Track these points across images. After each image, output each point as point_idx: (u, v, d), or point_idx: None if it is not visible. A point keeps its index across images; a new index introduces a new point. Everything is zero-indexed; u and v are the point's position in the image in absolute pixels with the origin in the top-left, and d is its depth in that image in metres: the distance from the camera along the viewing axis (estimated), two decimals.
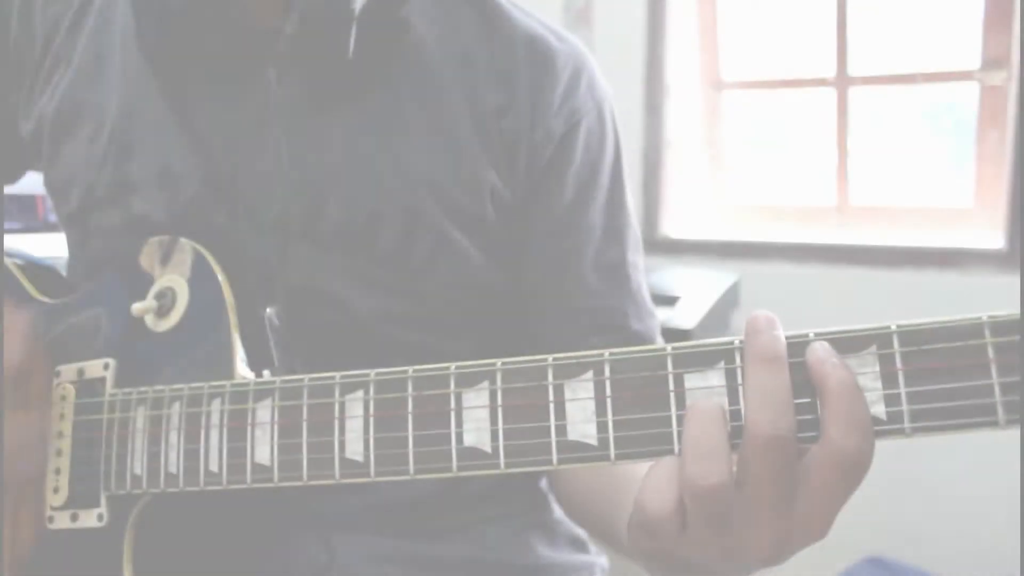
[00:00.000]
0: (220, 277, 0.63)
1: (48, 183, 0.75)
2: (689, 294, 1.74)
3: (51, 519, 0.64)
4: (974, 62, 1.83)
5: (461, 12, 0.73)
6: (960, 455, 1.76)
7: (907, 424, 0.41)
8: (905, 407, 0.41)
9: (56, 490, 0.63)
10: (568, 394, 0.47)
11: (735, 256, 1.97)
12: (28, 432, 0.66)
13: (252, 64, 0.68)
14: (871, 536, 1.85)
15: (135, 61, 0.71)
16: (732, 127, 2.15)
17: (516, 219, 0.73)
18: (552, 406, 0.47)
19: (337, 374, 0.53)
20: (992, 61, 1.81)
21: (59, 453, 0.64)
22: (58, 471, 0.64)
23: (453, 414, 0.50)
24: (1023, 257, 1.67)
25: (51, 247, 0.83)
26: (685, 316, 1.67)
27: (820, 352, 0.43)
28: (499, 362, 0.49)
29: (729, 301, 1.82)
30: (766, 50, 2.11)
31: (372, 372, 0.52)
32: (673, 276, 1.86)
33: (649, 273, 1.95)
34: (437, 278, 0.70)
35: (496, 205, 0.71)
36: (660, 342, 0.77)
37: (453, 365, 0.50)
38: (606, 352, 0.47)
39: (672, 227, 2.07)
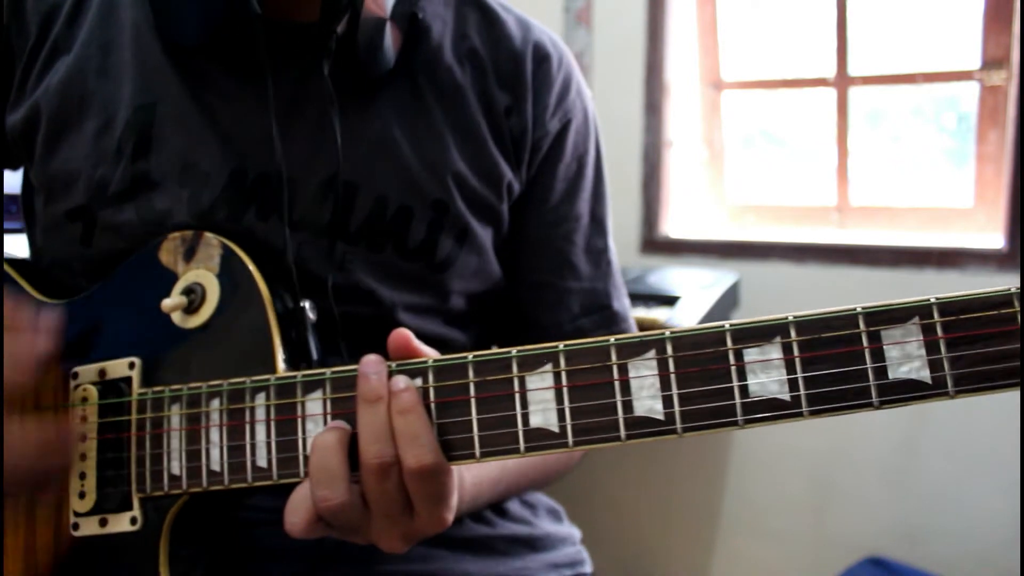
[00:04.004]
0: (253, 271, 0.62)
1: (43, 176, 0.71)
2: (689, 294, 1.74)
3: (76, 526, 0.62)
4: (974, 62, 1.83)
5: (467, 14, 0.76)
6: (960, 455, 1.77)
7: (951, 387, 0.45)
8: (948, 372, 0.45)
9: (82, 495, 0.61)
10: (632, 372, 0.49)
11: (735, 256, 1.96)
12: (42, 437, 0.64)
13: (281, 62, 0.68)
14: (871, 536, 1.85)
15: (152, 55, 0.69)
16: (732, 127, 2.15)
17: (517, 211, 0.77)
18: (617, 384, 0.49)
19: (393, 363, 0.54)
20: (992, 61, 1.80)
21: (83, 457, 0.62)
22: (83, 475, 0.61)
23: (518, 396, 0.51)
24: (1023, 257, 1.66)
25: None
26: (685, 316, 1.67)
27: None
28: (561, 344, 0.51)
29: (729, 301, 1.82)
30: (766, 50, 2.10)
31: (430, 360, 0.53)
32: (673, 276, 1.86)
33: (649, 273, 1.97)
34: (458, 270, 0.73)
35: (508, 198, 0.76)
36: (631, 318, 0.85)
37: (514, 349, 0.52)
38: (667, 331, 0.49)
39: (672, 227, 2.07)
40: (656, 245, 2.05)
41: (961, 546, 1.78)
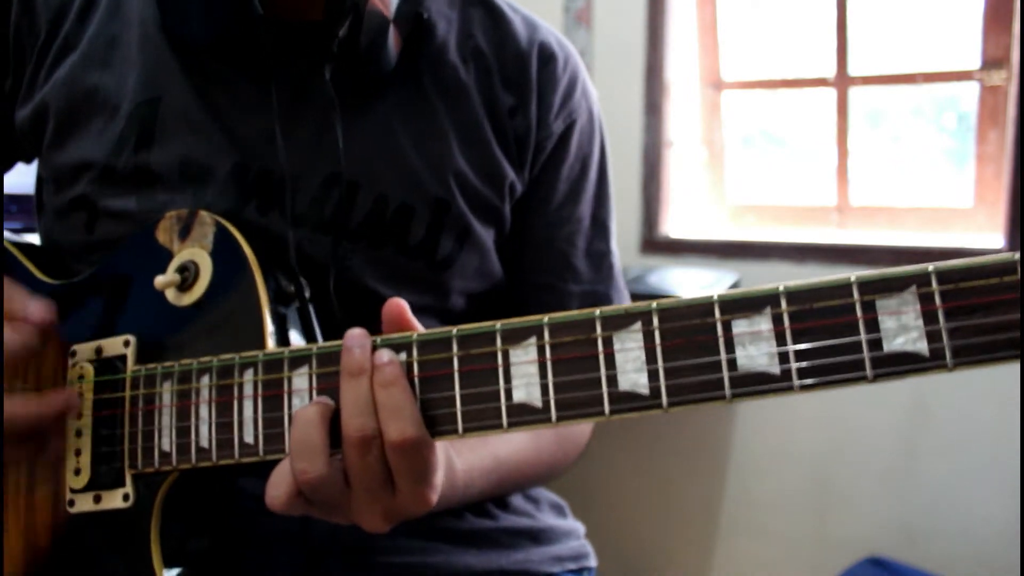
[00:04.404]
0: (246, 249, 0.62)
1: (51, 168, 0.73)
2: (689, 294, 1.74)
3: (71, 502, 0.62)
4: (974, 62, 1.83)
5: (473, 14, 0.76)
6: (960, 455, 1.77)
7: (949, 360, 0.42)
8: (946, 343, 0.42)
9: (77, 471, 0.62)
10: (617, 345, 0.48)
11: (735, 256, 1.96)
12: (41, 414, 0.65)
13: (285, 60, 0.69)
14: (871, 536, 1.85)
15: (158, 51, 0.70)
16: (732, 127, 2.15)
17: (519, 211, 0.77)
18: (602, 357, 0.48)
19: (377, 337, 0.53)
20: (992, 61, 1.81)
21: (79, 434, 0.62)
22: (78, 452, 0.62)
23: (501, 371, 0.50)
24: (1023, 257, 1.66)
25: None
26: None
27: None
28: (546, 317, 0.50)
29: None
30: (766, 50, 2.10)
31: (414, 333, 0.52)
32: (673, 276, 1.86)
33: (649, 273, 1.97)
34: (458, 270, 0.73)
35: (510, 198, 0.75)
36: None
37: (499, 323, 0.51)
38: (653, 303, 0.47)
39: (672, 227, 2.07)
40: (656, 245, 2.05)
41: (961, 546, 1.78)
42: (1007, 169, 1.74)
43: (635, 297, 1.89)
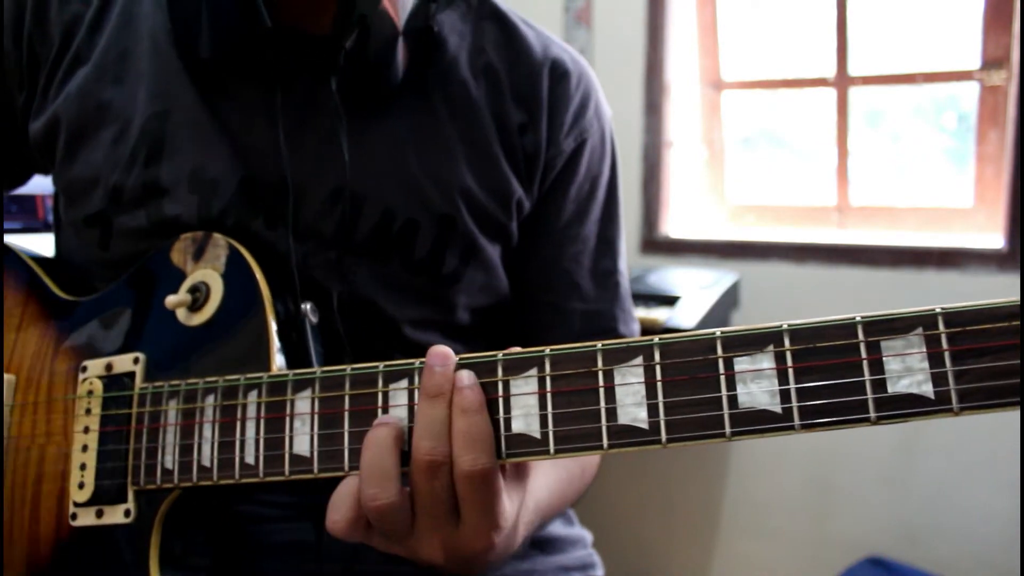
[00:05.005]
0: (256, 272, 0.62)
1: (63, 182, 0.73)
2: (689, 294, 1.74)
3: (74, 516, 0.63)
4: (974, 62, 1.83)
5: (486, 28, 0.76)
6: (960, 455, 1.77)
7: (955, 404, 0.42)
8: (952, 387, 0.42)
9: (81, 485, 0.62)
10: (618, 379, 0.48)
11: (735, 256, 1.97)
12: (49, 428, 0.65)
13: (293, 73, 0.68)
14: (871, 536, 1.85)
15: (168, 64, 0.70)
16: (732, 127, 2.15)
17: (526, 228, 0.76)
18: (602, 391, 0.48)
19: (380, 363, 0.53)
20: (992, 61, 1.81)
21: (85, 448, 0.63)
22: (83, 466, 0.62)
23: (501, 401, 0.50)
24: (1023, 257, 1.66)
25: (52, 247, 0.83)
26: (685, 316, 1.67)
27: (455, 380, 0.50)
28: (547, 349, 0.50)
29: (729, 301, 1.82)
30: (766, 50, 2.10)
31: (416, 361, 0.52)
32: (673, 276, 1.86)
33: (649, 273, 1.97)
34: (464, 285, 0.73)
35: (518, 215, 0.75)
36: None
37: (500, 353, 0.51)
38: (655, 337, 0.47)
39: (672, 227, 2.07)
40: (656, 245, 2.05)
41: (961, 546, 1.78)
42: (1007, 169, 1.74)
43: (635, 297, 1.89)
